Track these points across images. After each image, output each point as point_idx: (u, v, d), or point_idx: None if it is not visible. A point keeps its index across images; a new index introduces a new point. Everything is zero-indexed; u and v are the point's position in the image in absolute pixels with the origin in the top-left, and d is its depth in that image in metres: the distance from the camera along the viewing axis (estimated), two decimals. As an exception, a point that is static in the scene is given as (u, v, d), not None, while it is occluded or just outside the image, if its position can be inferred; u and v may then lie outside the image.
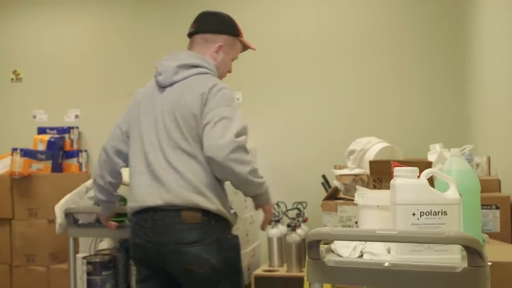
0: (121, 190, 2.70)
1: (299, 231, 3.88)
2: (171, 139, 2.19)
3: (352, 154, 3.29)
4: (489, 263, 1.41)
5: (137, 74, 5.18)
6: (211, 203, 2.15)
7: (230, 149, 2.08)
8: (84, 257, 3.02)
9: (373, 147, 3.22)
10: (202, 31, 2.41)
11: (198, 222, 2.13)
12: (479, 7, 3.71)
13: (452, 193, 1.53)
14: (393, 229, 1.42)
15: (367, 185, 2.82)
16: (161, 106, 2.25)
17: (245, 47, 2.51)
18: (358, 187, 1.90)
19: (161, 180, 2.16)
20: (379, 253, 1.58)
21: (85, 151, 5.26)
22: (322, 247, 1.56)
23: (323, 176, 3.95)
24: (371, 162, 2.74)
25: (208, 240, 2.14)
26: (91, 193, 2.92)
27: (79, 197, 2.97)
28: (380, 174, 2.67)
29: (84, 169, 5.17)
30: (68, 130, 5.18)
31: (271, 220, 2.55)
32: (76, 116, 5.39)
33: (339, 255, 1.63)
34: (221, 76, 2.44)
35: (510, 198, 2.72)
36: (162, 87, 2.31)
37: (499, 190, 2.96)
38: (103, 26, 5.34)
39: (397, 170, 1.58)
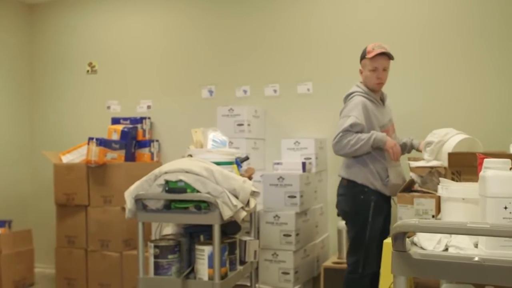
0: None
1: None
2: None
3: (429, 145, 3.20)
4: None
5: (208, 66, 5.24)
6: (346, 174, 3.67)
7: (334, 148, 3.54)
8: (151, 241, 3.12)
9: (452, 138, 3.12)
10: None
11: (344, 185, 3.66)
12: None
13: (546, 187, 1.47)
14: (485, 223, 1.37)
15: (444, 178, 2.74)
16: None
17: (373, 56, 3.54)
18: (441, 179, 1.85)
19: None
20: (465, 247, 1.53)
21: (157, 141, 5.37)
22: (407, 240, 1.52)
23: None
24: (450, 154, 2.66)
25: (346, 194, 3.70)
26: (160, 180, 3.01)
27: (148, 184, 3.07)
28: (459, 166, 2.60)
29: (155, 159, 5.28)
30: (140, 120, 5.30)
31: (395, 155, 3.44)
32: (148, 107, 5.51)
33: (422, 248, 1.59)
34: (373, 87, 3.63)
35: None
36: None
37: None
38: (176, 18, 5.42)
39: (487, 162, 1.52)
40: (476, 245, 1.54)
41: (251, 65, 5.05)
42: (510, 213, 1.44)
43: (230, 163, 3.25)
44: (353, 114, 3.43)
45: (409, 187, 3.12)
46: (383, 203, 3.53)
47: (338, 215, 3.75)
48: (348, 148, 3.39)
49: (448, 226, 1.38)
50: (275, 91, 4.92)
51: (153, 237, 3.52)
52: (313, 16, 4.81)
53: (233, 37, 5.14)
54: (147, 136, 5.34)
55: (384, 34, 4.50)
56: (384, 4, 4.57)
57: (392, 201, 3.56)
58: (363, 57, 3.60)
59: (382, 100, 3.70)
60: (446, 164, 2.83)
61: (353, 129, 3.40)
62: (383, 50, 3.51)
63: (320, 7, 4.79)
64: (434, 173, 2.97)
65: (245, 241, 3.39)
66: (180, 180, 2.95)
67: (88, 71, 5.81)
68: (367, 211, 3.46)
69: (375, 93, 3.62)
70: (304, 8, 4.85)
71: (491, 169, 1.50)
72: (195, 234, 3.25)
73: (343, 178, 3.61)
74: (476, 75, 4.26)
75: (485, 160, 1.53)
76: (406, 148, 3.79)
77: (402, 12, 4.51)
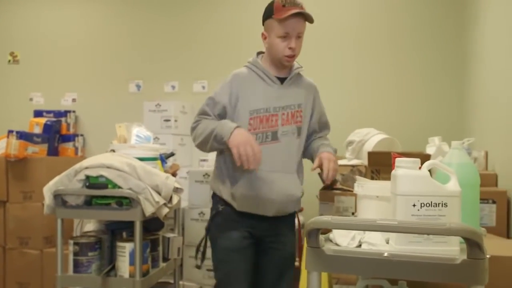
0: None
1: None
2: None
3: (351, 144, 3.28)
4: (488, 256, 1.41)
5: (136, 60, 5.16)
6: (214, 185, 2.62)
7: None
8: (71, 238, 3.06)
9: (372, 138, 3.21)
10: None
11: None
12: (481, 1, 3.70)
13: (453, 185, 1.53)
14: (394, 219, 1.42)
15: (364, 176, 2.82)
16: None
17: (285, 18, 2.36)
18: (358, 177, 1.90)
19: None
20: (377, 243, 1.58)
21: (82, 135, 5.23)
22: (321, 236, 1.55)
23: (320, 166, 3.94)
24: (369, 153, 2.74)
25: (211, 216, 2.61)
26: (80, 175, 2.95)
27: (68, 179, 3.00)
28: (378, 165, 2.67)
29: (80, 153, 5.15)
30: (64, 113, 5.14)
31: (241, 159, 2.28)
32: (73, 100, 5.36)
33: (337, 245, 1.62)
34: (280, 59, 2.46)
35: (507, 193, 2.72)
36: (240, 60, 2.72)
37: (496, 185, 2.96)
38: (104, 10, 5.30)
39: (398, 161, 1.58)
40: (388, 241, 1.59)
41: (180, 60, 5.01)
42: (419, 210, 1.49)
43: (154, 159, 3.21)
44: (216, 90, 2.49)
45: (331, 185, 3.19)
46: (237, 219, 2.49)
47: None
48: (196, 142, 2.47)
49: (359, 223, 1.41)
50: (203, 87, 4.91)
51: (74, 234, 3.44)
52: (243, 13, 4.82)
53: (163, 32, 5.08)
54: (72, 130, 5.19)
55: (310, 35, 4.57)
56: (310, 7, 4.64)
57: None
58: (269, 15, 2.42)
59: (289, 79, 2.54)
60: (366, 162, 2.91)
61: (208, 110, 2.45)
62: (298, 9, 2.36)
63: (251, 4, 4.80)
64: (355, 171, 3.05)
65: (169, 238, 3.36)
66: (101, 176, 2.90)
67: (9, 60, 5.58)
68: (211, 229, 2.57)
69: (279, 68, 2.51)
70: (236, 4, 4.86)
71: (401, 168, 1.55)
72: (117, 231, 3.19)
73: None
74: (399, 78, 4.43)
75: (397, 159, 1.58)
76: (308, 155, 2.69)
77: (329, 14, 4.60)
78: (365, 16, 4.53)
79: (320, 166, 2.45)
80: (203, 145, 2.43)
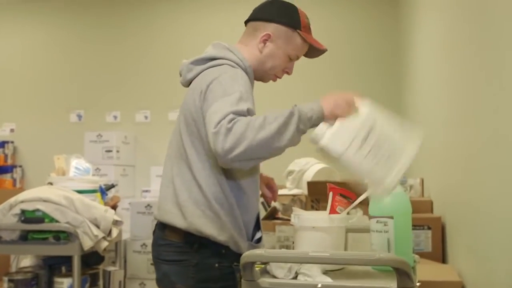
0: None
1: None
2: (176, 149, 1.89)
3: (291, 174, 3.32)
4: (418, 284, 1.45)
5: (77, 90, 5.10)
6: (191, 225, 1.80)
7: (230, 158, 1.60)
8: (5, 275, 2.96)
9: (311, 168, 3.26)
10: (254, 18, 1.95)
11: (178, 242, 1.84)
12: (415, 31, 3.85)
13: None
14: (326, 251, 1.44)
15: (305, 206, 2.85)
16: (179, 113, 1.92)
17: (309, 46, 1.97)
18: (294, 208, 1.91)
19: (160, 194, 1.93)
20: (313, 275, 1.59)
21: (20, 166, 5.11)
22: (258, 267, 1.56)
23: (262, 195, 3.97)
24: (309, 183, 2.78)
25: (185, 263, 1.83)
26: (16, 209, 2.88)
27: (3, 214, 2.94)
28: (317, 195, 2.72)
29: (18, 185, 5.02)
30: (2, 144, 5.02)
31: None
32: (12, 130, 5.24)
33: (274, 276, 1.63)
34: (268, 74, 1.97)
35: (441, 219, 2.81)
36: (186, 88, 1.93)
37: (432, 211, 3.04)
38: (44, 39, 5.22)
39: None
40: (324, 272, 1.61)
41: (122, 90, 4.98)
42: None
43: (93, 191, 3.17)
44: (233, 86, 1.72)
45: (272, 215, 3.21)
46: None
47: None
48: (259, 138, 1.61)
49: (292, 255, 1.43)
50: (146, 117, 4.89)
51: (11, 270, 3.33)
52: (184, 43, 4.85)
53: (104, 62, 5.05)
54: (9, 161, 5.06)
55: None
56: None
57: None
58: (293, 25, 1.91)
59: None
60: (306, 192, 2.95)
61: (251, 107, 1.70)
62: (323, 46, 2.00)
63: (191, 34, 4.84)
64: (296, 201, 3.08)
65: (110, 272, 3.31)
66: (38, 210, 2.83)
67: None
68: None
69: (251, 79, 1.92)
70: (176, 35, 4.89)
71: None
72: (56, 266, 3.12)
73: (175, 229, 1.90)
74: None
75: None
76: None
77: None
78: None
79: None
80: (275, 140, 1.63)
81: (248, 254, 1.44)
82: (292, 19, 1.91)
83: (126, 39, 5.02)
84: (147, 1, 5.00)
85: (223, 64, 1.83)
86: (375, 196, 1.68)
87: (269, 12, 1.92)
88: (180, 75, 1.95)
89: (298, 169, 3.28)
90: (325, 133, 1.62)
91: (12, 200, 2.92)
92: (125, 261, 3.96)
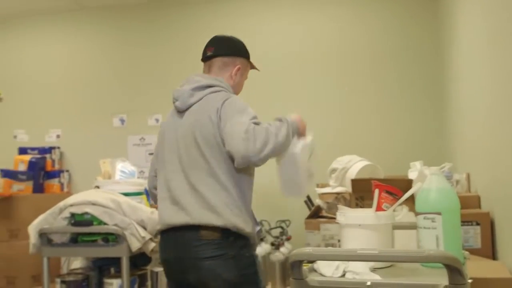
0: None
1: (282, 249, 3.88)
2: (192, 161, 2.19)
3: (334, 172, 3.31)
4: (470, 280, 1.43)
5: (119, 94, 5.18)
6: (228, 221, 2.12)
7: (260, 157, 2.07)
8: (58, 276, 3.04)
9: (355, 165, 3.24)
10: (220, 54, 2.39)
11: (215, 239, 2.13)
12: (457, 26, 3.79)
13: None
14: (374, 249, 1.43)
15: (349, 203, 2.84)
16: (181, 131, 2.24)
17: (252, 67, 2.52)
18: (339, 206, 1.91)
19: (180, 203, 2.18)
20: (361, 272, 1.58)
21: (67, 171, 5.22)
22: (306, 266, 1.56)
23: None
24: (352, 181, 2.76)
25: (225, 256, 2.13)
26: (65, 213, 2.94)
27: (53, 217, 3.01)
28: (362, 192, 2.69)
29: (66, 189, 5.13)
30: (49, 150, 5.14)
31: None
32: (58, 136, 5.36)
33: (322, 275, 1.63)
34: None
35: (490, 214, 2.75)
36: (180, 112, 2.29)
37: (479, 207, 2.98)
38: (86, 46, 5.33)
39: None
40: (372, 270, 1.61)
41: (163, 93, 5.01)
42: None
43: (138, 193, 3.22)
44: (246, 108, 2.21)
45: (316, 213, 3.20)
46: None
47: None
48: (279, 141, 2.12)
49: (340, 253, 1.43)
50: (186, 119, 4.93)
51: (62, 272, 3.42)
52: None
53: (145, 65, 5.12)
54: (57, 167, 5.18)
55: (291, 62, 4.64)
56: (291, 34, 4.72)
57: None
58: (245, 56, 2.46)
59: None
60: (350, 190, 2.93)
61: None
62: (258, 69, 2.55)
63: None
64: (339, 199, 3.07)
65: (157, 272, 3.35)
66: (86, 213, 2.90)
67: (-7, 99, 5.58)
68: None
69: None
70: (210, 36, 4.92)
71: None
72: (105, 267, 3.18)
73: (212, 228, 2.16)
74: (380, 104, 4.49)
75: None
76: None
77: (308, 41, 4.67)
78: (346, 44, 4.61)
79: None
80: (285, 142, 2.15)
81: (296, 253, 1.44)
82: (247, 52, 2.46)
83: (165, 43, 5.08)
84: (185, 4, 5.05)
85: (221, 91, 2.27)
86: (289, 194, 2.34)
87: (233, 49, 2.43)
88: (176, 100, 2.31)
89: (341, 167, 3.26)
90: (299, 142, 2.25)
91: (62, 204, 2.99)
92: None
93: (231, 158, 2.12)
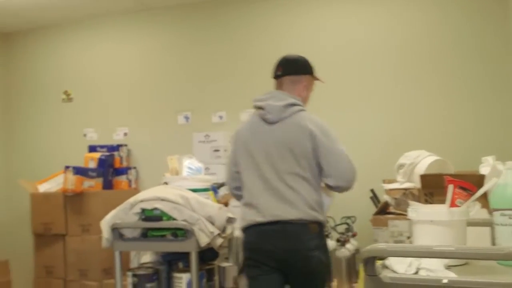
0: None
1: (348, 246, 3.85)
2: (288, 167, 2.62)
3: (402, 168, 3.26)
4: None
5: (184, 92, 5.27)
6: (322, 216, 2.64)
7: (355, 178, 2.66)
8: (129, 270, 3.12)
9: (423, 160, 3.18)
10: (288, 73, 2.82)
11: (316, 232, 2.60)
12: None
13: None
14: (451, 245, 1.40)
15: (418, 199, 2.78)
16: (274, 140, 2.67)
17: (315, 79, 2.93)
18: (411, 201, 1.88)
19: (288, 200, 2.59)
20: (436, 269, 1.56)
21: (134, 168, 5.35)
22: (377, 263, 1.55)
23: (372, 191, 3.92)
24: (421, 176, 2.71)
25: (322, 245, 2.63)
26: (136, 209, 3.01)
27: (124, 213, 3.09)
28: (431, 188, 2.64)
29: (133, 186, 5.26)
30: (117, 147, 5.29)
31: None
32: (125, 134, 5.51)
33: (394, 271, 1.61)
34: None
35: None
36: (270, 123, 2.70)
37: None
38: (151, 45, 5.45)
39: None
40: (447, 267, 1.58)
41: (227, 90, 5.09)
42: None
43: (206, 189, 3.27)
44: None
45: (384, 209, 3.16)
46: None
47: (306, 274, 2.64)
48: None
49: (416, 249, 1.41)
50: (251, 116, 4.96)
51: (131, 266, 3.51)
52: (282, 43, 4.88)
53: (209, 62, 5.19)
54: (124, 164, 5.33)
55: (357, 57, 4.59)
56: (355, 28, 4.67)
57: None
58: (312, 72, 2.91)
59: None
60: (419, 185, 2.87)
61: None
62: (323, 81, 2.99)
63: (293, 31, 4.86)
64: (408, 194, 3.02)
65: (224, 267, 3.40)
66: (156, 208, 2.97)
67: (63, 99, 5.80)
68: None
69: None
70: (278, 32, 4.93)
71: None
72: (173, 261, 3.25)
73: (315, 223, 2.63)
74: (448, 97, 4.37)
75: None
76: None
77: (375, 35, 4.61)
78: (408, 37, 4.51)
79: None
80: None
81: (370, 249, 1.43)
82: (311, 68, 2.88)
83: (227, 40, 5.12)
84: (246, 1, 5.07)
85: (303, 109, 2.74)
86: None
87: (298, 69, 2.84)
88: (268, 113, 2.69)
89: (409, 162, 3.21)
90: None
91: (132, 199, 3.07)
92: (237, 258, 4.05)
93: (318, 168, 2.64)
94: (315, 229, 2.59)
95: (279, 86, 2.84)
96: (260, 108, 2.74)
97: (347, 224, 4.03)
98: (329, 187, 2.69)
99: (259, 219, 2.61)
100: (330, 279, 3.06)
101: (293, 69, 2.83)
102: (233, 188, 2.86)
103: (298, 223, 2.56)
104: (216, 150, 4.56)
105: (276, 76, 2.86)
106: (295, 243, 2.55)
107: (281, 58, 2.88)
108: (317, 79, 2.92)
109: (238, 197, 2.83)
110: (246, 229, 2.67)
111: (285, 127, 2.67)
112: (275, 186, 2.61)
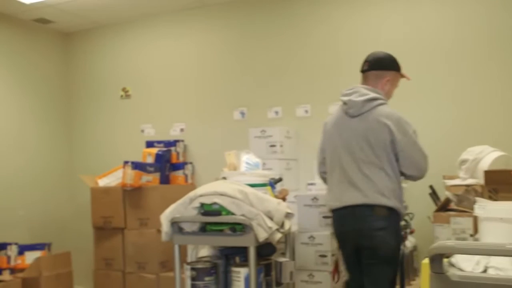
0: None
1: (406, 242, 3.78)
2: (365, 157, 2.94)
3: (464, 163, 3.18)
4: None
5: (240, 88, 5.29)
6: (392, 202, 2.89)
7: (427, 168, 2.98)
8: (188, 263, 3.16)
9: (487, 156, 3.09)
10: (373, 68, 3.11)
11: (384, 215, 2.88)
12: None
13: None
14: (525, 244, 1.36)
15: (481, 196, 2.71)
16: (354, 132, 2.99)
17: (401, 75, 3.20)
18: (478, 198, 1.84)
19: (358, 187, 2.93)
20: (505, 268, 1.52)
21: (191, 163, 5.42)
22: (444, 261, 1.52)
23: (431, 187, 3.83)
24: (486, 172, 2.64)
25: (390, 228, 2.91)
26: (195, 203, 3.05)
27: (184, 207, 3.12)
28: (495, 184, 2.57)
29: (190, 181, 5.33)
30: (174, 143, 5.37)
31: None
32: (182, 130, 5.59)
33: (460, 269, 1.58)
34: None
35: None
36: (352, 116, 3.02)
37: None
38: (207, 41, 5.50)
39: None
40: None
41: (282, 86, 5.08)
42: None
43: (264, 185, 3.28)
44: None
45: (445, 206, 3.09)
46: None
47: (373, 257, 2.94)
48: None
49: (487, 247, 1.37)
50: (306, 111, 4.94)
51: (189, 259, 3.56)
52: (341, 36, 4.83)
53: (264, 58, 5.19)
54: (181, 159, 5.40)
55: (418, 50, 4.49)
56: (416, 20, 4.57)
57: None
58: (397, 69, 3.17)
59: None
60: (482, 182, 2.80)
61: None
62: (409, 78, 3.28)
63: (347, 27, 4.81)
64: (470, 191, 2.94)
65: (281, 263, 3.40)
66: (215, 203, 2.99)
67: (122, 96, 5.93)
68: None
69: None
70: (333, 28, 4.88)
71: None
72: (231, 256, 3.27)
73: (382, 207, 2.91)
74: (510, 92, 4.22)
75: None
76: None
77: (431, 29, 4.50)
78: (473, 28, 4.38)
79: None
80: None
81: (438, 246, 1.41)
82: (396, 66, 3.16)
83: (284, 34, 5.11)
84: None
85: (384, 103, 3.02)
86: None
87: (386, 64, 3.13)
88: (350, 108, 3.02)
89: (472, 158, 3.12)
90: None
91: (192, 194, 3.11)
92: (293, 253, 4.05)
93: (395, 159, 2.93)
94: (382, 212, 2.88)
95: (365, 80, 3.13)
96: (344, 103, 3.06)
97: (406, 220, 3.95)
98: (404, 176, 2.99)
99: (336, 204, 3.04)
100: (400, 267, 3.22)
101: (378, 64, 3.11)
102: (321, 172, 3.30)
103: (364, 206, 2.90)
104: (272, 146, 4.57)
105: (363, 71, 3.15)
106: (360, 222, 2.91)
107: (368, 54, 3.16)
108: (403, 76, 3.18)
109: (325, 180, 3.26)
110: (332, 213, 3.13)
111: (364, 121, 2.97)
112: (351, 174, 2.96)
